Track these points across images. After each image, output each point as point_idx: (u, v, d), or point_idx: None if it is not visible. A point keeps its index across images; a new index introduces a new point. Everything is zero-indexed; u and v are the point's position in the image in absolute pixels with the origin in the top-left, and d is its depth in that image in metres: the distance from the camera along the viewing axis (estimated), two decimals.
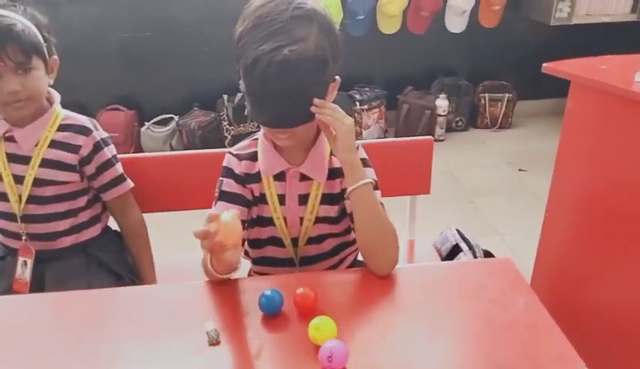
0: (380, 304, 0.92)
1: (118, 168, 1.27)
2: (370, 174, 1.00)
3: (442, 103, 3.34)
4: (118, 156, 1.29)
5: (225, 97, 3.31)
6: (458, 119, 3.53)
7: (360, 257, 1.19)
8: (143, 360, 0.81)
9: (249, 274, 1.20)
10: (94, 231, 1.30)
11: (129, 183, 1.29)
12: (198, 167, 1.42)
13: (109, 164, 1.25)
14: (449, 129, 3.47)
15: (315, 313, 0.84)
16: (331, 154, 1.04)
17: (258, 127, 1.00)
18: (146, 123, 3.29)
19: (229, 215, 0.83)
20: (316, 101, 0.90)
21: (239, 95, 3.30)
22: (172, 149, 3.22)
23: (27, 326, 0.89)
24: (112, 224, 1.36)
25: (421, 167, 1.46)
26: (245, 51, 0.88)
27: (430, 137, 1.48)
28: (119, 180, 1.27)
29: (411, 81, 3.50)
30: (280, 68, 0.84)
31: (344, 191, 1.03)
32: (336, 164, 1.04)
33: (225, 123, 3.31)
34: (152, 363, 0.80)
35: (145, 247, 1.34)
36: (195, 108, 3.32)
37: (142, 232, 1.34)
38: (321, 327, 0.79)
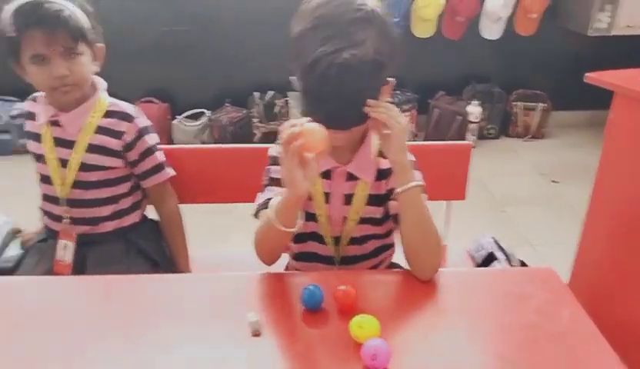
0: (421, 305, 0.92)
1: (159, 156, 1.29)
2: (418, 177, 0.99)
3: (474, 110, 3.31)
4: None
5: (257, 94, 3.33)
6: (489, 127, 3.49)
7: (394, 260, 1.19)
8: (186, 345, 0.81)
9: (286, 270, 1.20)
10: (134, 218, 1.32)
11: (168, 171, 1.31)
12: (231, 161, 1.42)
13: (150, 151, 1.28)
14: (480, 136, 3.43)
15: (355, 310, 0.84)
16: (378, 155, 1.03)
17: None
18: (178, 117, 3.33)
19: (312, 123, 0.86)
20: (370, 101, 0.90)
21: (270, 93, 3.33)
22: (203, 143, 3.26)
23: (66, 306, 0.91)
24: (149, 213, 1.38)
25: (457, 172, 1.44)
26: (303, 50, 0.87)
27: (469, 142, 1.47)
28: (159, 168, 1.29)
29: (443, 86, 3.48)
30: (340, 70, 0.84)
31: (390, 192, 1.03)
32: (382, 165, 1.03)
33: (256, 120, 3.34)
34: (196, 349, 0.81)
35: (180, 235, 1.36)
36: (227, 104, 3.36)
37: (178, 220, 1.36)
38: (364, 325, 0.79)
